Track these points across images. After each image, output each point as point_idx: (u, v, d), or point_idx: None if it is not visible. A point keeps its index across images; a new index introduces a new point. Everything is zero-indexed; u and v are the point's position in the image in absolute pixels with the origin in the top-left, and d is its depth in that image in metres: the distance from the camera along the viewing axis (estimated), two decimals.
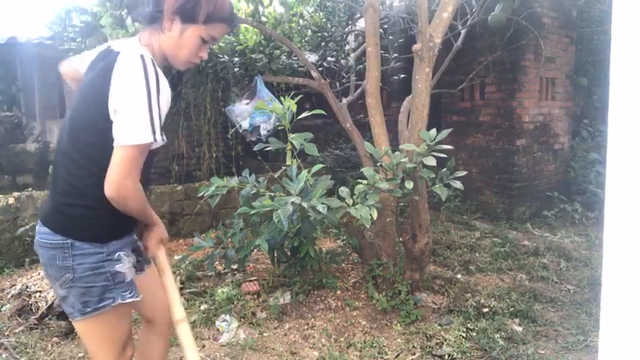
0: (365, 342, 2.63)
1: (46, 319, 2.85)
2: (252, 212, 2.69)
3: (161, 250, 1.55)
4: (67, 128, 1.35)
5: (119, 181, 1.23)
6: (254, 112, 4.55)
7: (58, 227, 1.33)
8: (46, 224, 1.35)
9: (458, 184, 2.66)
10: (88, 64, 1.42)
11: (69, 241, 1.32)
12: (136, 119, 1.21)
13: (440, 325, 2.82)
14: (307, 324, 2.88)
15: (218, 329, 2.78)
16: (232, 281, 3.42)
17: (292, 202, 2.48)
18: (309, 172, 2.79)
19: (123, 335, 1.47)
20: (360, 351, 2.56)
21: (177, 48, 1.36)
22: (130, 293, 1.41)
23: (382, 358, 2.51)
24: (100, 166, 1.26)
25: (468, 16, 4.76)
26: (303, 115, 3.00)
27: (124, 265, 1.41)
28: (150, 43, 1.36)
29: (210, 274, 3.57)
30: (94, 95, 1.27)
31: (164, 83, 1.28)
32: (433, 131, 2.70)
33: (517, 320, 2.87)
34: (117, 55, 1.27)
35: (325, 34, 5.79)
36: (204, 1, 1.31)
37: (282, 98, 3.04)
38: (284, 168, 2.99)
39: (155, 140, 1.24)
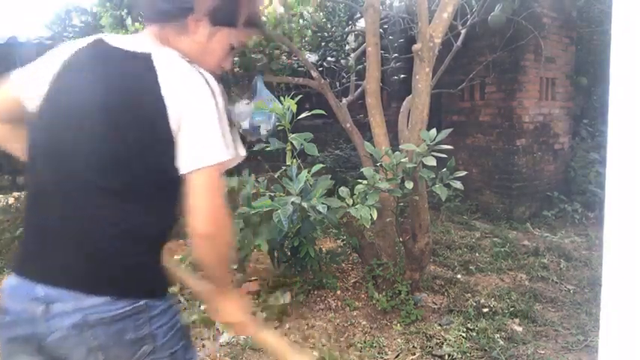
0: (365, 342, 2.63)
1: None
2: (252, 212, 2.69)
3: (250, 327, 1.21)
4: (90, 155, 0.99)
5: (214, 209, 0.99)
6: (254, 112, 4.55)
7: (123, 289, 1.00)
8: (97, 290, 0.97)
9: (458, 184, 2.66)
10: (59, 70, 1.05)
11: (143, 302, 1.00)
12: (212, 135, 0.99)
13: (440, 325, 2.82)
14: (307, 324, 2.88)
15: (218, 329, 2.78)
16: (232, 281, 3.41)
17: (292, 202, 2.48)
18: (309, 172, 2.79)
19: None
20: (360, 351, 2.56)
21: (203, 54, 1.10)
22: (193, 347, 1.18)
23: (382, 358, 2.51)
24: (159, 198, 1.03)
25: (468, 16, 4.76)
26: (303, 115, 3.00)
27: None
28: (170, 45, 1.08)
29: None
30: (134, 112, 0.97)
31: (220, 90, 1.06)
32: (433, 131, 2.70)
33: (517, 320, 2.87)
34: (148, 60, 1.00)
35: (325, 34, 5.78)
36: (246, 2, 1.11)
37: (282, 98, 3.04)
38: (284, 168, 2.99)
39: (231, 157, 1.02)
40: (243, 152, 1.06)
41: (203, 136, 0.98)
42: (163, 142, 0.98)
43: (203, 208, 0.99)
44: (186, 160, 0.98)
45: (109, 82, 1.00)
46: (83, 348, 0.97)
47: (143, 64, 1.00)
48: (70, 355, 0.98)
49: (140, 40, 1.07)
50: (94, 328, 0.96)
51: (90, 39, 1.09)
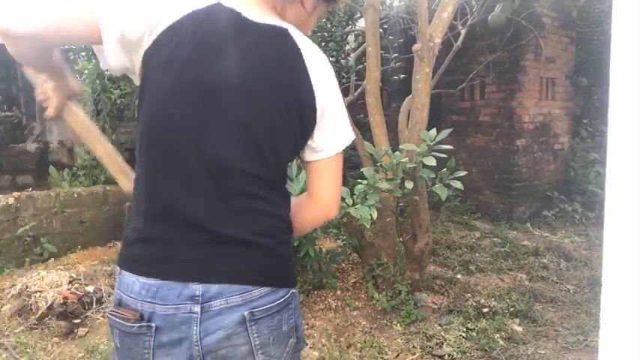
0: (365, 342, 2.63)
1: (46, 319, 2.85)
2: None
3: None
4: (241, 140, 0.89)
5: (339, 191, 1.02)
6: None
7: (282, 277, 0.96)
8: (263, 281, 0.91)
9: (458, 184, 2.66)
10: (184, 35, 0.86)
11: (293, 291, 0.97)
12: (345, 116, 1.01)
13: (440, 325, 2.82)
14: (307, 324, 2.88)
15: None
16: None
17: None
18: None
19: None
20: (360, 351, 2.56)
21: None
22: None
23: (382, 358, 2.51)
24: (286, 187, 1.01)
25: (468, 16, 4.75)
26: None
27: None
28: (278, 13, 0.99)
29: None
30: (287, 95, 0.90)
31: None
32: (433, 131, 2.70)
33: (517, 320, 2.87)
34: (290, 38, 0.92)
35: (325, 34, 5.78)
36: None
37: None
38: None
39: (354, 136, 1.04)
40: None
41: (342, 118, 0.99)
42: (308, 126, 0.94)
43: (337, 192, 1.01)
44: (332, 143, 0.97)
45: (266, 62, 0.90)
46: (244, 348, 0.89)
47: (288, 43, 0.93)
48: (228, 357, 0.89)
49: (258, 10, 0.94)
50: (258, 323, 0.89)
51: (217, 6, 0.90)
